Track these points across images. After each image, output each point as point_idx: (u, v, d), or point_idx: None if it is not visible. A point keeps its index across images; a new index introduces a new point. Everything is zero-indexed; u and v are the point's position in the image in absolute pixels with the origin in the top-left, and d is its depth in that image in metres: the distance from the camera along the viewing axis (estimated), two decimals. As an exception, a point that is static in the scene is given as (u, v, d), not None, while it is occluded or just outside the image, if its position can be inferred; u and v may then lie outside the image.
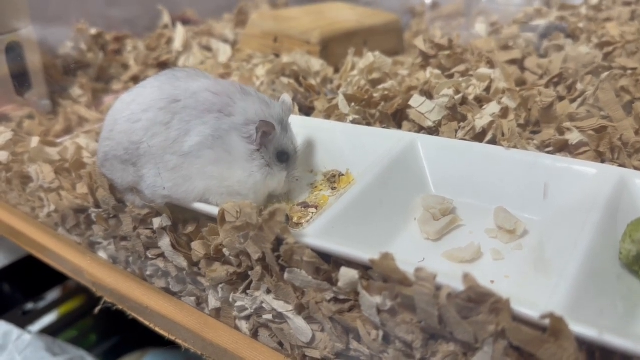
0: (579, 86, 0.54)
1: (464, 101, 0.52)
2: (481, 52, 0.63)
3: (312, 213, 0.44)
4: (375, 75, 0.62)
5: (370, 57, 0.64)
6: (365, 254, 0.32)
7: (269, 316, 0.37)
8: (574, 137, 0.45)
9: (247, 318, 0.40)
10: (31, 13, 0.70)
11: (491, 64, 0.59)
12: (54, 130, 0.66)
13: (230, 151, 0.41)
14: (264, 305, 0.37)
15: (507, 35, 0.70)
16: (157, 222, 0.43)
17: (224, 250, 0.38)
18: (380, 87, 0.59)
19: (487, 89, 0.55)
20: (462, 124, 0.49)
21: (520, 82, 0.57)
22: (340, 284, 0.33)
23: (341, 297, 0.34)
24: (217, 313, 0.42)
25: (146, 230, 0.44)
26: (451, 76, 0.59)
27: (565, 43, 0.66)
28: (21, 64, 0.69)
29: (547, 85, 0.55)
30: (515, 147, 0.45)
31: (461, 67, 0.60)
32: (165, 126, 0.41)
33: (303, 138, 0.50)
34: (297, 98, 0.60)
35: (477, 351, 0.28)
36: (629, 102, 0.49)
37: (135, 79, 0.77)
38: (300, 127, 0.50)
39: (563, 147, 0.46)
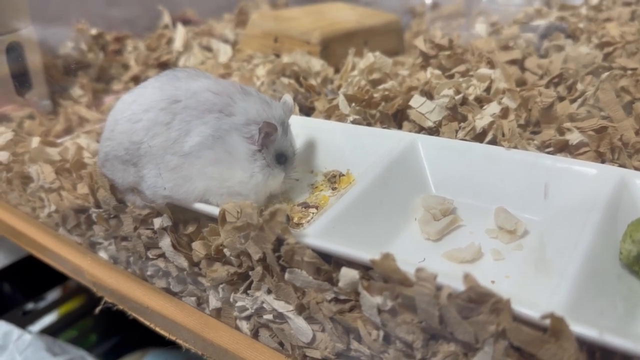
0: (579, 86, 0.54)
1: (464, 101, 0.52)
2: (481, 52, 0.63)
3: (313, 213, 0.44)
4: (375, 76, 0.62)
5: (370, 57, 0.64)
6: (365, 254, 0.32)
7: (269, 316, 0.37)
8: (574, 137, 0.45)
9: (248, 318, 0.40)
10: (31, 13, 0.70)
11: (491, 64, 0.59)
12: (55, 131, 0.66)
13: (230, 151, 0.41)
14: (264, 305, 0.37)
15: (508, 36, 0.71)
16: (157, 223, 0.43)
17: (225, 250, 0.39)
18: (381, 87, 0.59)
19: (488, 89, 0.55)
20: (462, 124, 0.49)
21: (521, 83, 0.57)
22: (340, 284, 0.33)
23: (342, 297, 0.34)
24: (217, 313, 0.42)
25: (147, 230, 0.44)
26: (451, 76, 0.59)
27: (565, 43, 0.66)
28: (21, 64, 0.69)
29: (547, 86, 0.55)
30: (515, 147, 0.45)
31: (461, 68, 0.60)
32: (166, 126, 0.41)
33: (303, 138, 0.50)
34: (297, 98, 0.60)
35: (478, 351, 0.29)
36: (629, 103, 0.49)
37: (136, 79, 0.77)
38: (301, 127, 0.50)
39: (563, 148, 0.46)
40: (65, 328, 0.83)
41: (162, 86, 0.43)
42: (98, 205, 0.47)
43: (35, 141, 0.60)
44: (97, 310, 0.50)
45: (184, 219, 0.43)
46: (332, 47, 0.74)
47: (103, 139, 0.45)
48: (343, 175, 0.48)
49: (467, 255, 0.37)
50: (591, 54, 0.59)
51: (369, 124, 0.53)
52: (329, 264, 0.35)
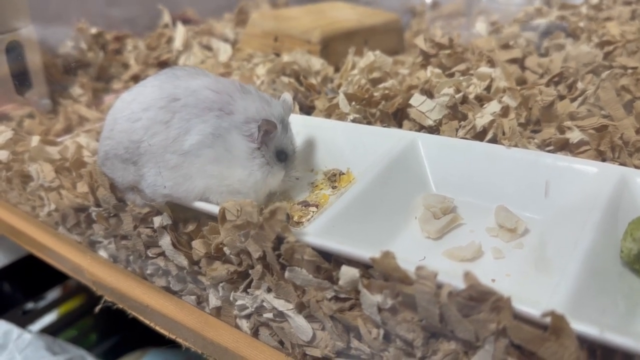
0: (580, 85, 0.54)
1: (464, 100, 0.52)
2: (482, 51, 0.63)
3: (313, 212, 0.44)
4: (375, 75, 0.62)
5: (370, 56, 0.64)
6: (366, 253, 0.32)
7: (269, 315, 0.37)
8: (574, 136, 0.45)
9: (248, 317, 0.40)
10: (31, 12, 0.70)
11: (492, 63, 0.59)
12: (55, 130, 0.66)
13: (230, 150, 0.41)
14: (264, 304, 0.37)
15: (508, 35, 0.70)
16: (157, 221, 0.43)
17: (225, 249, 0.38)
18: (381, 86, 0.59)
19: (488, 88, 0.55)
20: (462, 123, 0.49)
21: (521, 81, 0.57)
22: (340, 282, 0.33)
23: (342, 295, 0.34)
24: (217, 312, 0.41)
25: (147, 229, 0.44)
26: (452, 75, 0.59)
27: (565, 42, 0.66)
28: (21, 63, 0.69)
29: (547, 84, 0.55)
30: (516, 146, 0.45)
31: (462, 66, 0.60)
32: (166, 125, 0.41)
33: (304, 137, 0.50)
34: (297, 97, 0.60)
35: (478, 349, 0.28)
36: (629, 101, 0.49)
37: (136, 79, 0.77)
38: (301, 126, 0.50)
39: (564, 146, 0.46)
40: (65, 327, 0.83)
41: (161, 85, 0.43)
42: (98, 204, 0.47)
43: (35, 140, 0.60)
44: (97, 309, 0.50)
45: (183, 218, 0.43)
46: (332, 46, 0.74)
47: (103, 137, 0.45)
48: (343, 173, 0.48)
49: (467, 254, 0.37)
50: (591, 52, 0.59)
51: (369, 123, 0.53)
52: (329, 262, 0.35)
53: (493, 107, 0.50)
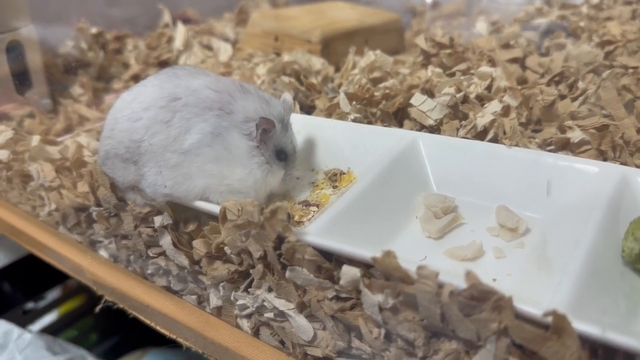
0: (581, 85, 0.54)
1: (465, 99, 0.52)
2: (482, 50, 0.63)
3: (314, 211, 0.44)
4: (376, 74, 0.62)
5: (371, 55, 0.64)
6: (367, 252, 0.32)
7: (270, 314, 0.37)
8: (575, 135, 0.45)
9: (249, 316, 0.39)
10: (31, 12, 0.70)
11: (492, 63, 0.59)
12: (55, 129, 0.66)
13: (230, 149, 0.41)
14: (265, 303, 0.37)
15: (508, 34, 0.70)
16: (158, 221, 0.43)
17: (225, 248, 0.38)
18: (382, 85, 0.59)
19: (489, 88, 0.55)
20: (463, 123, 0.49)
21: (522, 81, 0.57)
22: (341, 282, 0.33)
23: (343, 295, 0.34)
24: (218, 311, 0.41)
25: (147, 228, 0.44)
26: (452, 75, 0.59)
27: (566, 42, 0.66)
28: (22, 63, 0.69)
29: (548, 84, 0.55)
30: (516, 145, 0.45)
31: (462, 66, 0.60)
32: (166, 124, 0.41)
33: (304, 137, 0.50)
34: (298, 97, 0.60)
35: (480, 349, 0.28)
36: (630, 101, 0.49)
37: (136, 78, 0.77)
38: (302, 125, 0.50)
39: (565, 146, 0.46)
40: (65, 327, 0.83)
41: (161, 84, 0.43)
42: (98, 204, 0.47)
43: (35, 140, 0.60)
44: (98, 309, 0.49)
45: (184, 217, 0.43)
46: (333, 46, 0.74)
47: (103, 137, 0.45)
48: (344, 173, 0.48)
49: (468, 253, 0.37)
50: (592, 52, 0.59)
51: (369, 122, 0.53)
52: (330, 262, 0.35)
53: (494, 106, 0.50)
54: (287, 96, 0.47)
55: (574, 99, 0.52)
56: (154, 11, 0.94)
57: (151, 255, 0.45)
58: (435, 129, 0.50)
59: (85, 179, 0.49)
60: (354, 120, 0.53)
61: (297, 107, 0.57)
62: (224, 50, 0.82)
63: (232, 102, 0.42)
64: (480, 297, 0.28)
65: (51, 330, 0.80)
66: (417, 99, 0.51)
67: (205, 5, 1.05)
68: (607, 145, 0.44)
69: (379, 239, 0.39)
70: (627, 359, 0.26)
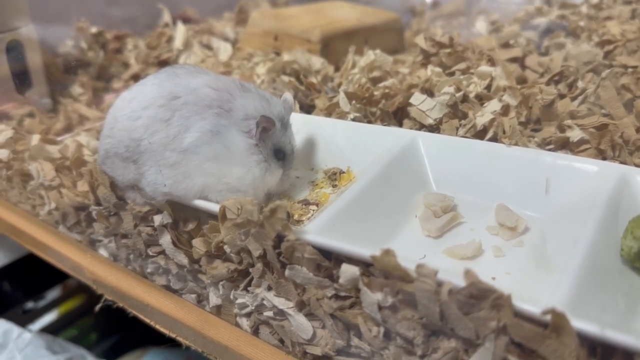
0: (580, 84, 0.54)
1: (465, 99, 0.52)
2: (482, 50, 0.63)
3: (313, 210, 0.44)
4: (376, 74, 0.62)
5: (370, 55, 0.64)
6: (366, 251, 0.32)
7: (269, 313, 0.37)
8: (575, 134, 0.45)
9: (248, 315, 0.39)
10: (31, 12, 0.70)
11: (492, 62, 0.59)
12: (55, 129, 0.66)
13: (229, 147, 0.41)
14: (264, 302, 0.37)
15: (508, 34, 0.70)
16: (157, 220, 0.43)
17: (225, 247, 0.38)
18: (381, 85, 0.59)
19: (488, 87, 0.55)
20: (463, 122, 0.49)
21: (521, 80, 0.57)
22: (341, 280, 0.33)
23: (342, 293, 0.34)
24: (217, 310, 0.41)
25: (147, 227, 0.44)
26: (452, 74, 0.59)
27: (566, 41, 0.66)
28: (22, 62, 0.69)
29: (548, 83, 0.55)
30: (516, 144, 0.45)
31: (462, 65, 0.60)
32: (166, 123, 0.41)
33: (304, 136, 0.50)
34: (297, 96, 0.60)
35: (479, 347, 0.28)
36: (629, 100, 0.49)
37: (136, 78, 0.77)
38: (301, 125, 0.50)
39: (564, 145, 0.46)
40: (65, 327, 0.83)
41: (161, 83, 0.43)
42: (98, 203, 0.47)
43: (35, 139, 0.60)
44: (97, 308, 0.49)
45: (184, 216, 0.43)
46: (333, 45, 0.74)
47: (103, 136, 0.45)
48: (343, 172, 0.48)
49: (467, 252, 0.37)
50: (592, 51, 0.59)
51: (369, 122, 0.53)
52: (329, 260, 0.35)
53: (493, 105, 0.50)
54: (288, 96, 0.47)
55: (573, 98, 0.52)
56: (153, 11, 0.94)
57: (151, 254, 0.45)
58: (434, 128, 0.50)
59: (85, 178, 0.49)
60: (354, 120, 0.53)
61: (297, 106, 0.57)
62: (224, 50, 0.82)
63: (231, 100, 0.42)
64: (479, 296, 0.28)
65: (51, 330, 0.80)
66: (417, 98, 0.51)
67: (205, 4, 1.05)
68: (607, 145, 0.44)
69: (378, 237, 0.39)
70: (626, 357, 0.27)
